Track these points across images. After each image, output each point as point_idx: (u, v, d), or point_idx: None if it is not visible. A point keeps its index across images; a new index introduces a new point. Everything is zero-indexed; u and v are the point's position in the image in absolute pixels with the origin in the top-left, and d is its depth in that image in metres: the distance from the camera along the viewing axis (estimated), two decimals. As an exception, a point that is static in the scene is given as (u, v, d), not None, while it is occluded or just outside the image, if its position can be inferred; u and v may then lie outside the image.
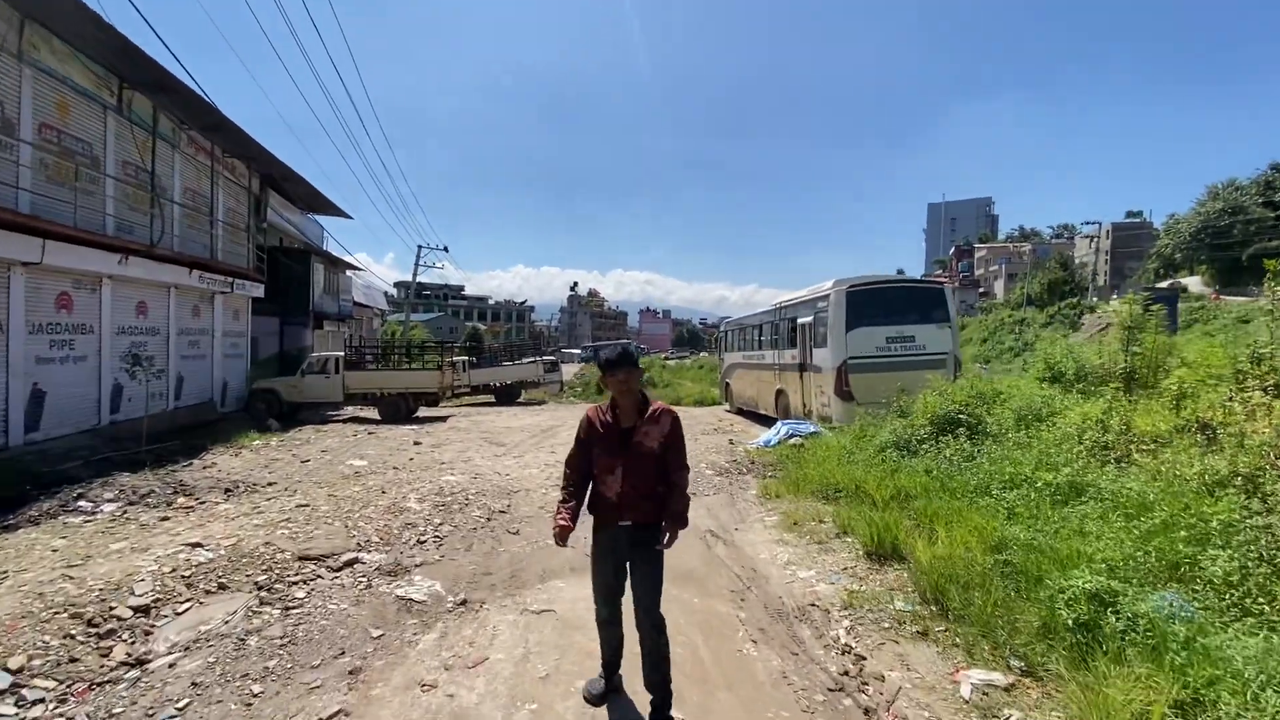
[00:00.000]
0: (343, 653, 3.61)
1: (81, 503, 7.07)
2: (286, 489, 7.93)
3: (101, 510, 6.85)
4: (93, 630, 3.70)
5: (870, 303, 11.26)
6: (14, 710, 2.97)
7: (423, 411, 18.51)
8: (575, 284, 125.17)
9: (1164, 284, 45.12)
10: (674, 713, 2.91)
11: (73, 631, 3.67)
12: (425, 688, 3.22)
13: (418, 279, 36.02)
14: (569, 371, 34.29)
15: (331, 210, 24.51)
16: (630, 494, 2.84)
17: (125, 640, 3.66)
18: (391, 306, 49.58)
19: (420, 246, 33.76)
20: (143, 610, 3.99)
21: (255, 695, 3.16)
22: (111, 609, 3.95)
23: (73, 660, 3.40)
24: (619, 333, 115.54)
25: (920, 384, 9.76)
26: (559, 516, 2.91)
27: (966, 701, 3.08)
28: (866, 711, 3.05)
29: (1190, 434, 5.01)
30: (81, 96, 11.21)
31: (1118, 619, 3.11)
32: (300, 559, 4.98)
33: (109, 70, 11.77)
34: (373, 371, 18.76)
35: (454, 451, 11.26)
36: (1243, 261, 45.28)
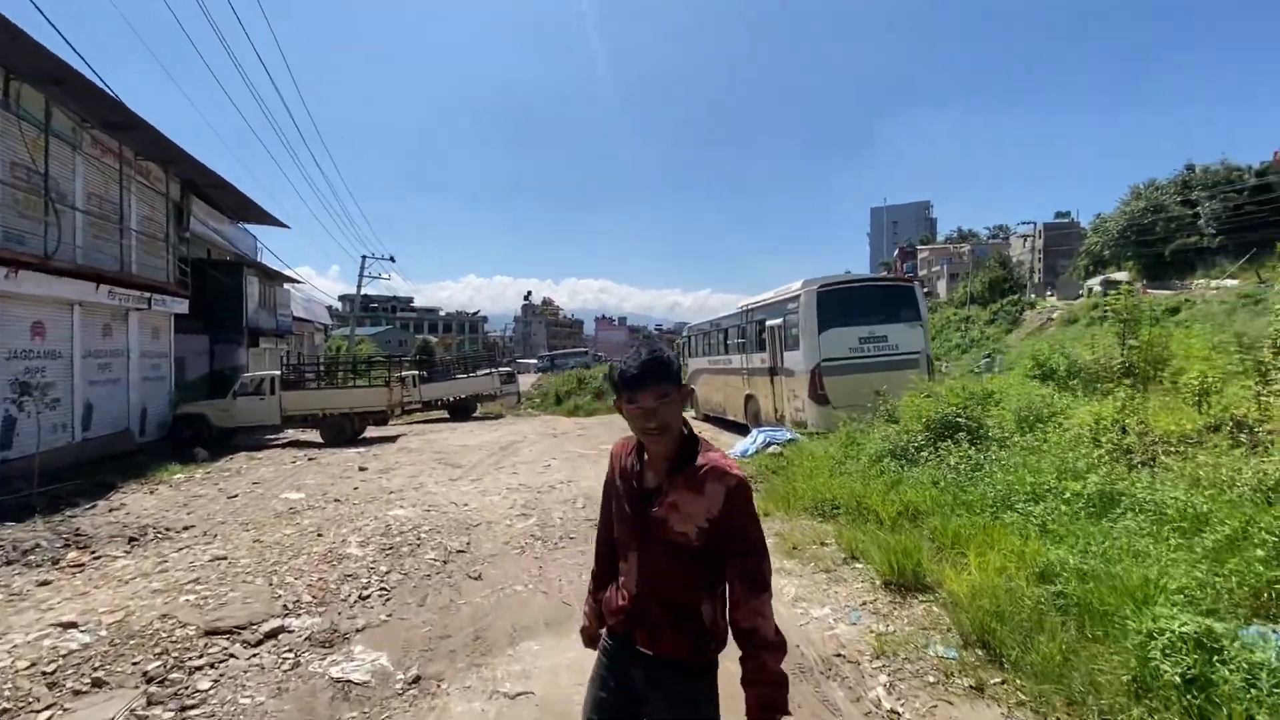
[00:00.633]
0: (253, 774, 2.73)
1: (-62, 567, 5.84)
2: (205, 534, 6.83)
3: (-37, 576, 5.65)
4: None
5: (842, 303, 10.91)
6: None
7: (371, 431, 17.25)
8: (529, 293, 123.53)
9: (1095, 280, 47.33)
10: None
11: None
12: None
13: (364, 291, 34.23)
14: (526, 382, 33.20)
15: (265, 219, 22.85)
16: (645, 604, 1.64)
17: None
18: (336, 321, 47.25)
19: (365, 257, 32.14)
20: (-21, 728, 3.00)
21: None
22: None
23: None
24: (575, 341, 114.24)
25: (895, 384, 9.38)
26: (585, 605, 2.02)
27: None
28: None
29: (1224, 433, 4.61)
30: (-47, 87, 9.75)
31: (1232, 672, 2.55)
32: (208, 634, 4.01)
33: (-12, 59, 10.31)
34: (313, 391, 17.34)
35: (404, 477, 10.24)
36: (1165, 257, 48.00)
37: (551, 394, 26.35)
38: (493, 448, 13.62)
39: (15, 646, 3.84)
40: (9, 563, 6.01)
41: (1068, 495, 4.53)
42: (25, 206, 11.20)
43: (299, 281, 28.33)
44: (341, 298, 56.66)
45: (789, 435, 10.07)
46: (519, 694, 3.32)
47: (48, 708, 3.21)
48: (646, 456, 1.68)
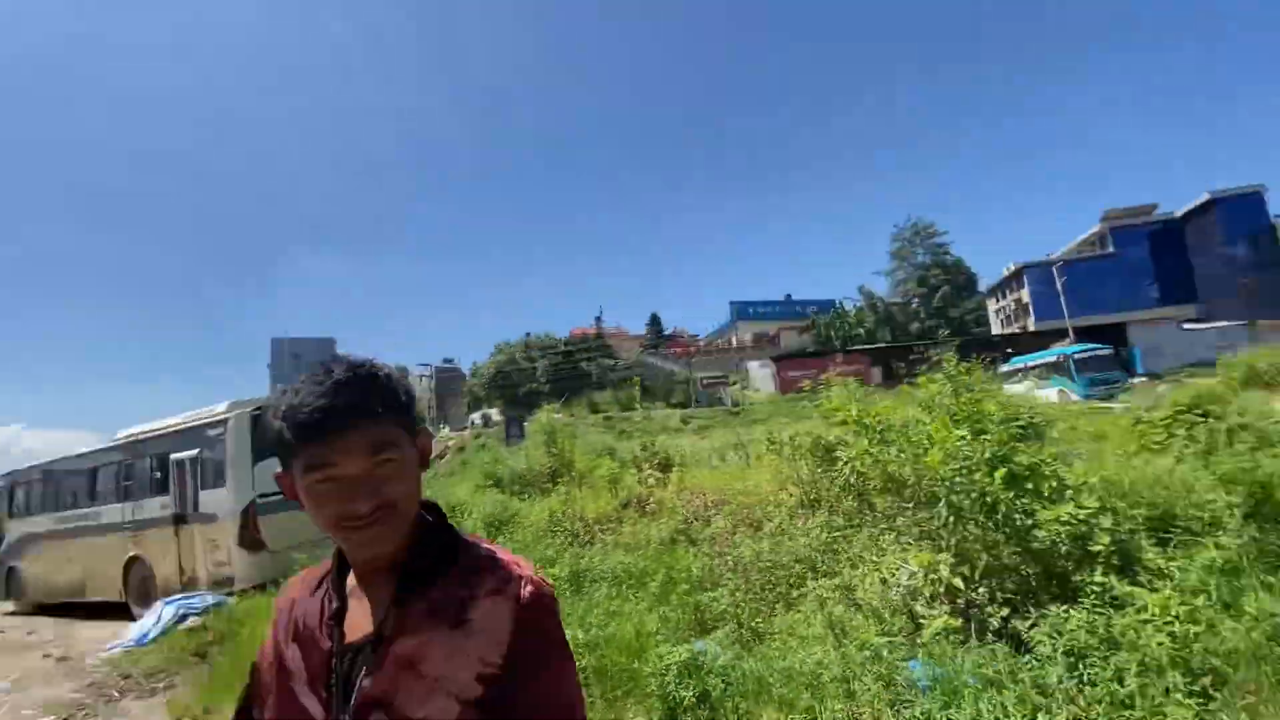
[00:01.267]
0: None
1: None
2: None
3: None
4: None
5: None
6: None
7: None
8: None
9: (477, 414, 58.08)
10: None
11: None
12: None
13: None
14: None
15: None
16: None
17: None
18: None
19: None
20: None
21: None
22: None
23: None
24: None
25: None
26: None
27: None
28: None
29: (631, 509, 6.29)
30: None
31: (715, 679, 3.35)
32: None
33: None
34: None
35: None
36: (520, 397, 63.60)
37: None
38: None
39: None
40: None
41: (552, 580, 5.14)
42: None
43: None
44: None
45: (212, 599, 7.74)
46: None
47: None
48: (351, 582, 0.95)
